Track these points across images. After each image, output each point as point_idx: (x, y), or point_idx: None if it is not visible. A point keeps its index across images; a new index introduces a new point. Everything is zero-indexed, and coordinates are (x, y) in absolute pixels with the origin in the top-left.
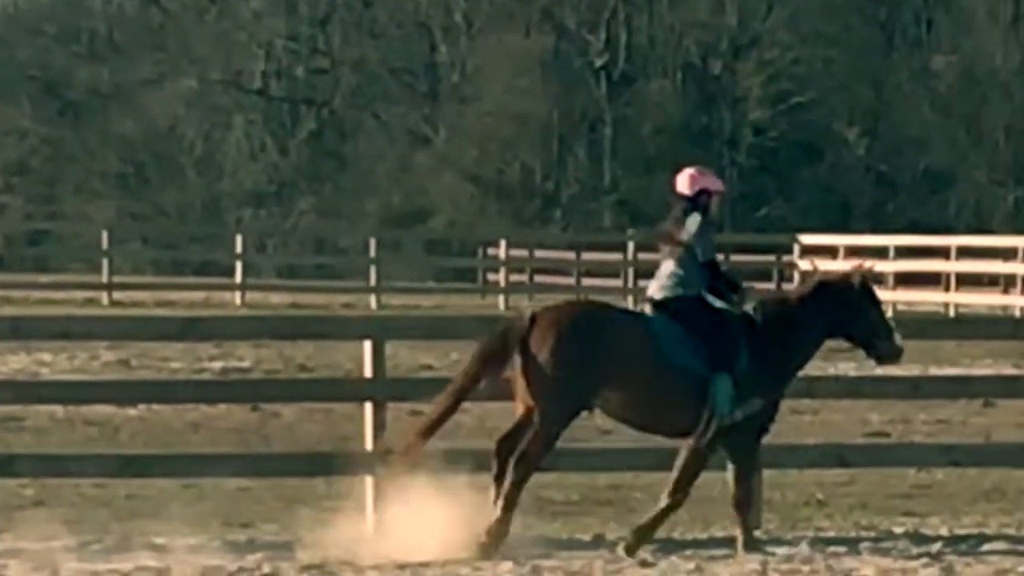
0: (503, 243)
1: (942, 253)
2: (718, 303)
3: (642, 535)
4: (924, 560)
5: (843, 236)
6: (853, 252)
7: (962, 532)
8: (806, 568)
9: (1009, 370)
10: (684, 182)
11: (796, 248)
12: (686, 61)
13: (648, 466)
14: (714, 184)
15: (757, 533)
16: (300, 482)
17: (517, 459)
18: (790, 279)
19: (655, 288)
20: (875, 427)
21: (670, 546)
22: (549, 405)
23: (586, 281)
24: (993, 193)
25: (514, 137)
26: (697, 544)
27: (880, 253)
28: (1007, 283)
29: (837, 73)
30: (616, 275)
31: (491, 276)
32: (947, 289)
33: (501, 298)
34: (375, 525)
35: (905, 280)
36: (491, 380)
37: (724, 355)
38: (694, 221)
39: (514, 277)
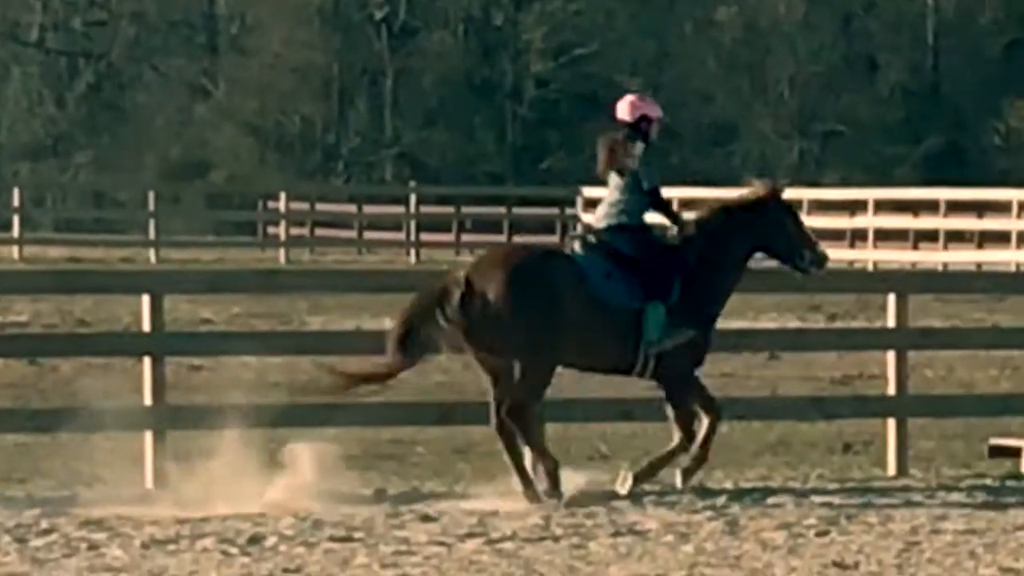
0: (283, 196)
1: None
2: (656, 233)
3: (651, 471)
4: (709, 513)
5: None
6: None
7: (747, 485)
8: (590, 522)
9: (794, 323)
10: (625, 109)
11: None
12: (468, 13)
13: (428, 421)
14: (654, 111)
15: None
16: (79, 437)
17: (511, 420)
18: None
19: (600, 217)
20: None
21: (453, 498)
22: (528, 357)
23: (368, 234)
24: (777, 145)
25: (294, 90)
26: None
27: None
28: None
29: (619, 25)
30: (399, 228)
31: (271, 230)
32: None
33: (282, 252)
34: (155, 480)
35: None
36: (427, 339)
37: (658, 286)
38: (638, 148)
39: (295, 231)
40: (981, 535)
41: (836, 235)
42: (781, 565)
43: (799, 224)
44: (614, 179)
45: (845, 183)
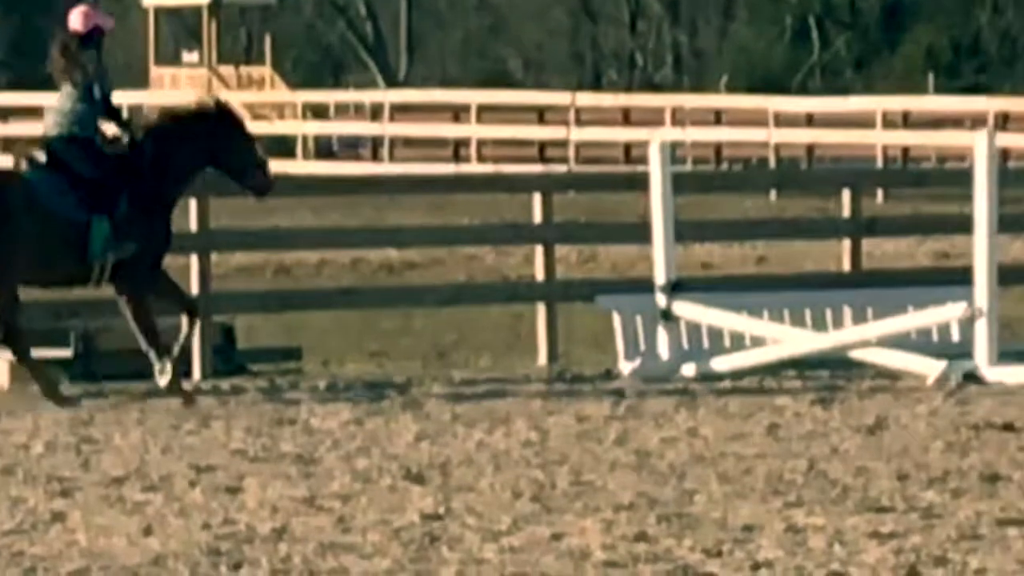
0: None
1: None
2: (106, 146)
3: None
4: None
5: None
6: None
7: None
8: None
9: None
10: (78, 19)
11: None
12: None
13: None
14: (107, 22)
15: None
16: None
17: None
18: None
19: (50, 125)
20: None
21: None
22: None
23: None
24: None
25: None
26: None
27: None
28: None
29: None
30: None
31: None
32: None
33: None
34: None
35: None
36: None
37: (104, 199)
38: (91, 57)
39: None
40: None
41: None
42: None
43: (251, 142)
44: (67, 88)
45: None
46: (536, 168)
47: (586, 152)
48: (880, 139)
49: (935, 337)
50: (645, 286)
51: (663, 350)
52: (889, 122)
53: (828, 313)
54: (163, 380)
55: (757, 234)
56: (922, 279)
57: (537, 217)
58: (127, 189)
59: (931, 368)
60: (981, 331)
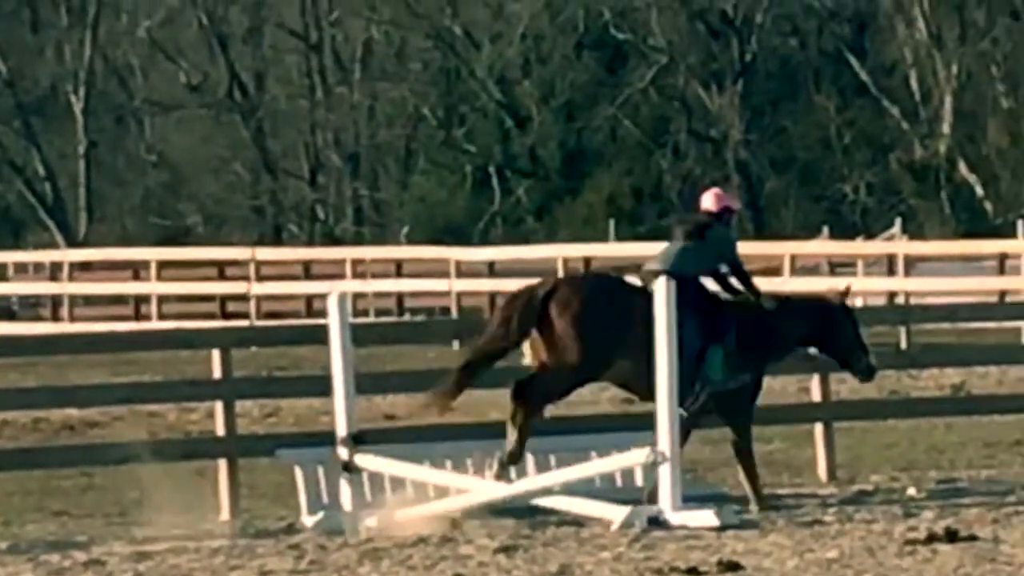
0: None
1: None
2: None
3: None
4: None
5: None
6: None
7: None
8: None
9: None
10: (710, 200)
11: None
12: None
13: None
14: (735, 203)
15: None
16: None
17: (528, 398)
18: None
19: (657, 262)
20: None
21: None
22: (567, 363)
23: None
24: None
25: None
26: None
27: None
28: None
29: None
30: None
31: None
32: None
33: None
34: None
35: None
36: (514, 339)
37: (717, 331)
38: (725, 231)
39: None
40: None
41: None
42: None
43: (857, 332)
44: (686, 244)
45: None
46: (218, 323)
47: (268, 306)
48: None
49: (619, 482)
50: (328, 439)
51: (346, 503)
52: (571, 269)
53: None
54: None
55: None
56: (606, 425)
57: (217, 373)
58: (736, 328)
59: (615, 513)
60: (664, 475)
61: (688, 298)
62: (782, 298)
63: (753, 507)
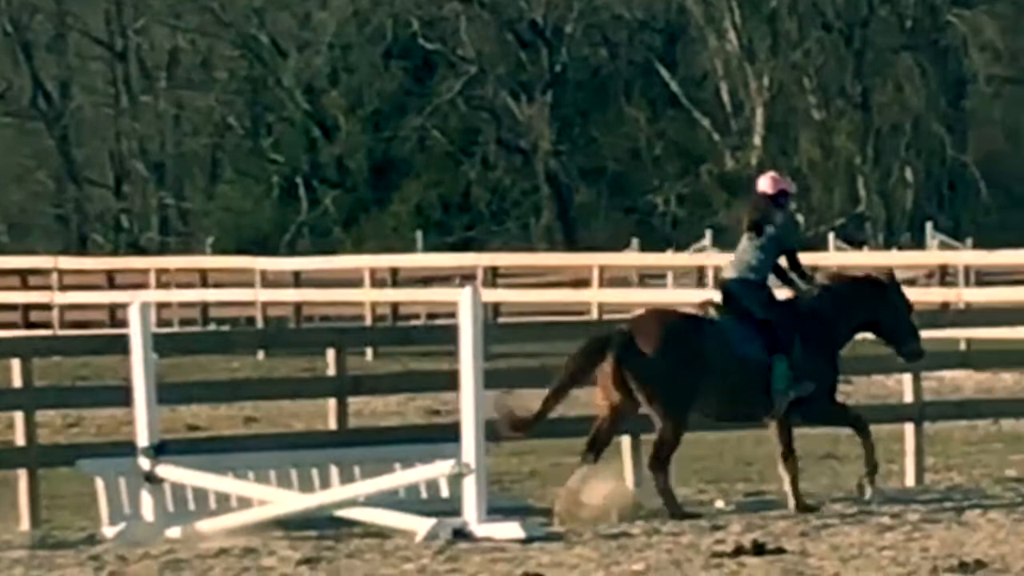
0: None
1: None
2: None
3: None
4: None
5: None
6: None
7: None
8: None
9: None
10: (767, 183)
11: None
12: None
13: None
14: (791, 187)
15: None
16: None
17: (653, 457)
18: None
19: (729, 268)
20: None
21: None
22: (667, 404)
23: None
24: None
25: None
26: None
27: None
28: None
29: None
30: None
31: None
32: None
33: None
34: None
35: None
36: (588, 378)
37: (781, 341)
38: (781, 215)
39: None
40: None
41: None
42: None
43: (910, 314)
44: (748, 239)
45: None
46: (19, 333)
47: (71, 316)
48: (368, 297)
49: (424, 494)
50: (130, 449)
51: (148, 513)
52: (378, 280)
53: (315, 472)
54: None
55: (242, 394)
56: (412, 436)
57: (17, 382)
58: (799, 333)
59: (420, 525)
60: (469, 487)
61: (755, 307)
62: (832, 283)
63: (791, 504)
